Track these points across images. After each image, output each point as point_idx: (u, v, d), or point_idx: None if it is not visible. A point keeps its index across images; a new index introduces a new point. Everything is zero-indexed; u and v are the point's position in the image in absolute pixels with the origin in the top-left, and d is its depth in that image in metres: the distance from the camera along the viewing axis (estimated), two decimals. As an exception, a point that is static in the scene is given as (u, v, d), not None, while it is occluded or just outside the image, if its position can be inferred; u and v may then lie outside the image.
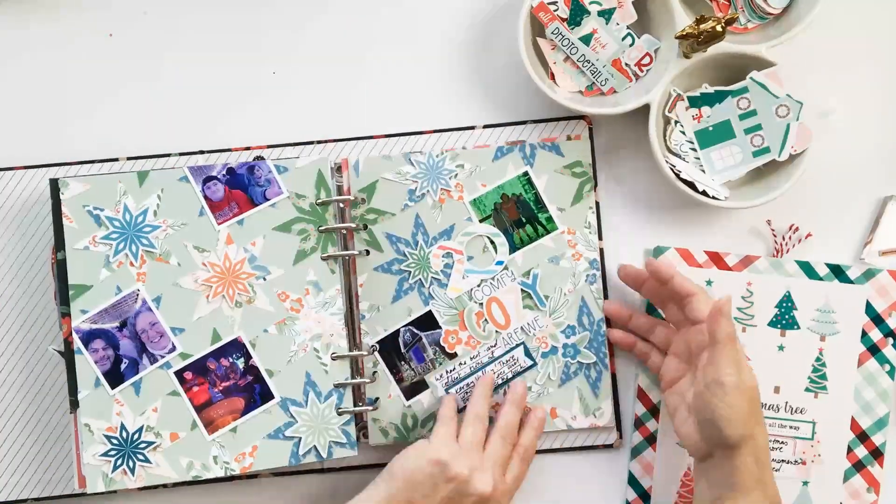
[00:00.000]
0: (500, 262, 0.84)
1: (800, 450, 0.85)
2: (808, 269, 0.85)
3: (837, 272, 0.85)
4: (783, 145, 0.82)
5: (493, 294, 0.84)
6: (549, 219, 0.85)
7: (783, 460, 0.85)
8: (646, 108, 0.82)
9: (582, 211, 0.85)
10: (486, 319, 0.84)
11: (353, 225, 0.84)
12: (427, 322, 0.84)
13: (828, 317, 0.85)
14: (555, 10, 0.83)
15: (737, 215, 0.87)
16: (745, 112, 0.83)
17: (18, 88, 0.87)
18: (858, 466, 0.84)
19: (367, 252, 0.84)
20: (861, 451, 0.85)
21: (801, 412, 0.85)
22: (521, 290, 0.84)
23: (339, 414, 0.82)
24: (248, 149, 0.87)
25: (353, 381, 0.82)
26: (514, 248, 0.85)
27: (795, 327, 0.85)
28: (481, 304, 0.84)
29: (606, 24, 0.84)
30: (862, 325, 0.85)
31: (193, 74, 0.88)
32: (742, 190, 0.84)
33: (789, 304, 0.85)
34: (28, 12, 0.88)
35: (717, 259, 0.85)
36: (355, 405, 0.83)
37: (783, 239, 0.85)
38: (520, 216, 0.85)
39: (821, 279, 0.85)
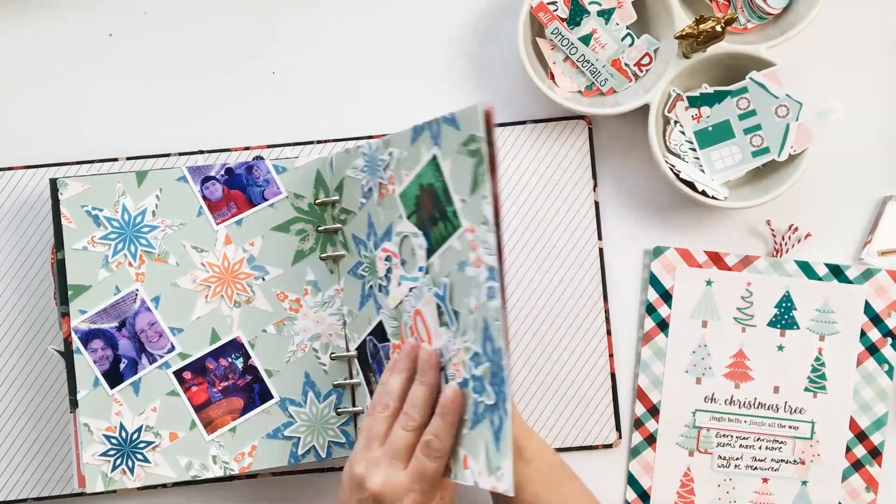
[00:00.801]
0: (421, 268, 0.72)
1: (799, 449, 0.85)
2: (807, 269, 0.85)
3: (836, 272, 0.85)
4: (783, 145, 0.82)
5: (416, 306, 0.72)
6: (455, 213, 0.68)
7: (782, 460, 0.85)
8: (645, 109, 0.82)
9: (477, 202, 0.65)
10: (416, 336, 0.73)
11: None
12: (382, 332, 0.78)
13: (827, 317, 0.85)
14: (554, 10, 0.83)
15: (736, 215, 0.87)
16: (745, 112, 0.83)
17: (18, 88, 0.88)
18: (857, 466, 0.84)
19: (342, 255, 0.83)
20: (860, 451, 0.85)
21: (800, 412, 0.85)
22: (436, 303, 0.71)
23: (338, 414, 0.82)
24: (247, 149, 0.87)
25: (352, 380, 0.82)
26: (431, 251, 0.71)
27: (795, 327, 0.85)
28: (411, 315, 0.74)
29: (606, 24, 0.84)
30: (861, 325, 0.85)
31: (193, 74, 0.88)
32: (742, 190, 0.84)
33: (789, 304, 0.85)
34: (28, 12, 0.88)
35: (716, 259, 0.85)
36: (354, 405, 0.83)
37: (783, 239, 0.85)
38: (434, 211, 0.70)
39: (820, 279, 0.85)
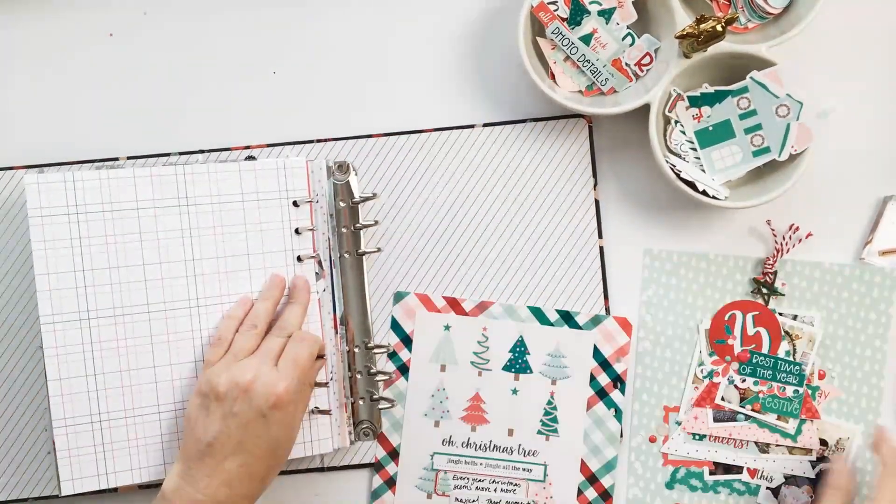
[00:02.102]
0: None
1: (532, 491, 0.85)
2: (539, 315, 0.85)
3: (567, 318, 0.85)
4: (783, 145, 0.82)
5: None
6: None
7: (517, 502, 0.85)
8: (646, 108, 0.82)
9: None
10: None
11: (362, 223, 0.84)
12: None
13: (558, 361, 0.85)
14: (555, 10, 0.83)
15: (737, 215, 0.87)
16: (746, 112, 0.83)
17: (18, 88, 0.87)
18: None
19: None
20: (591, 494, 0.85)
21: (533, 454, 0.85)
22: None
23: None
24: (247, 147, 0.87)
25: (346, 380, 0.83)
26: None
27: (528, 371, 0.85)
28: None
29: (606, 23, 0.84)
30: (591, 370, 0.85)
31: (193, 74, 0.88)
32: (742, 190, 0.84)
33: (522, 349, 0.85)
34: (28, 12, 0.88)
35: (454, 304, 0.85)
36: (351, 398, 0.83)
37: (784, 239, 0.85)
38: None
39: (551, 325, 0.85)
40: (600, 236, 0.86)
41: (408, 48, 0.88)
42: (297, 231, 0.82)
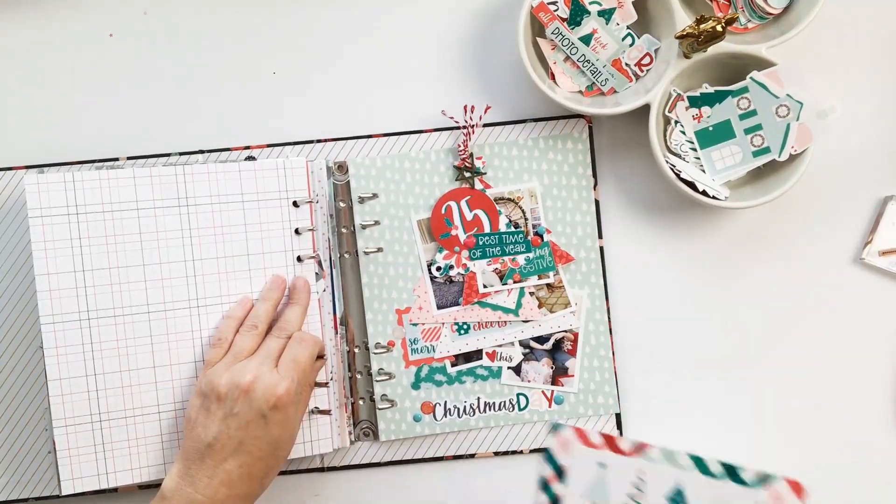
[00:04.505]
0: None
1: None
2: (701, 465, 0.76)
3: (731, 472, 0.75)
4: (783, 145, 0.82)
5: None
6: None
7: None
8: (646, 108, 0.82)
9: None
10: None
11: (353, 227, 0.84)
12: None
13: None
14: (555, 10, 0.83)
15: (737, 215, 0.87)
16: (746, 112, 0.83)
17: (18, 88, 0.87)
18: None
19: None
20: None
21: None
22: None
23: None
24: (247, 148, 0.87)
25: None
26: None
27: None
28: None
29: (606, 24, 0.84)
30: None
31: (193, 74, 0.88)
32: (742, 190, 0.84)
33: (680, 500, 0.75)
34: (28, 11, 0.88)
35: (610, 441, 0.77)
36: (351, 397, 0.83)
37: (467, 120, 0.85)
38: None
39: (714, 477, 0.76)
40: (600, 236, 0.86)
41: (408, 48, 0.88)
42: (297, 231, 0.82)
